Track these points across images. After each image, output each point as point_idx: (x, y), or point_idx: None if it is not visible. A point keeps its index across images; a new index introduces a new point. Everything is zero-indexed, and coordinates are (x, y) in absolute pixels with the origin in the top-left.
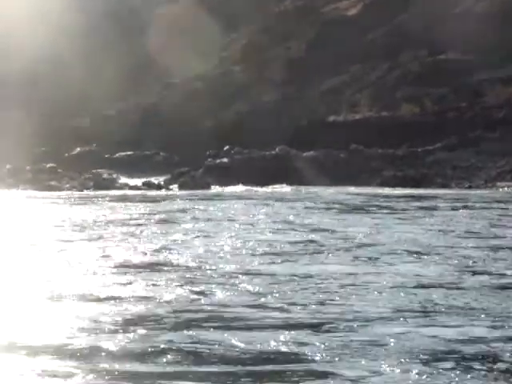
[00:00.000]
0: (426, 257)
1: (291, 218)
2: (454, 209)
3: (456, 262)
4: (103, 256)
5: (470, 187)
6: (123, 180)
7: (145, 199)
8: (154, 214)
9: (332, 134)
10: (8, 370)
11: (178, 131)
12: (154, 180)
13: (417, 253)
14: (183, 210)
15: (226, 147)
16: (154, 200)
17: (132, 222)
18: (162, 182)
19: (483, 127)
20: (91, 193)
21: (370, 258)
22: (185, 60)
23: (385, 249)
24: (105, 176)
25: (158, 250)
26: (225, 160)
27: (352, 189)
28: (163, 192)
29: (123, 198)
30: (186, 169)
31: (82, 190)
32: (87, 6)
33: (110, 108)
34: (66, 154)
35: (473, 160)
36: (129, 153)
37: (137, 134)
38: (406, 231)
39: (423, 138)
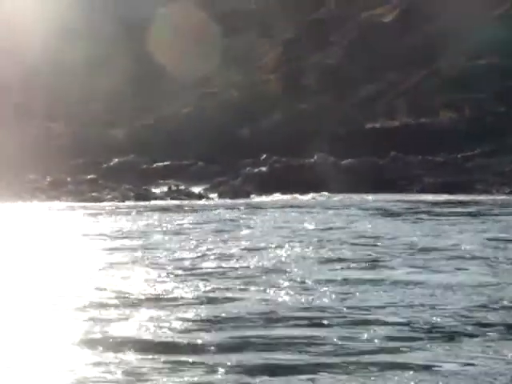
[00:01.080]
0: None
1: (344, 225)
2: (503, 214)
3: None
4: (170, 262)
5: (510, 192)
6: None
7: (190, 209)
8: (205, 223)
9: (370, 142)
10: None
11: (215, 140)
12: (194, 189)
13: (481, 258)
14: (233, 220)
15: (264, 156)
16: (198, 209)
17: (187, 231)
18: (202, 191)
19: None
20: (133, 203)
21: (435, 264)
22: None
23: (449, 254)
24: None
25: (226, 258)
26: (263, 168)
27: (394, 196)
28: (204, 201)
29: (168, 208)
30: (224, 178)
31: (123, 201)
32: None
33: (146, 118)
34: (105, 165)
35: None
36: (166, 163)
37: (174, 144)
38: (462, 237)
39: (462, 144)
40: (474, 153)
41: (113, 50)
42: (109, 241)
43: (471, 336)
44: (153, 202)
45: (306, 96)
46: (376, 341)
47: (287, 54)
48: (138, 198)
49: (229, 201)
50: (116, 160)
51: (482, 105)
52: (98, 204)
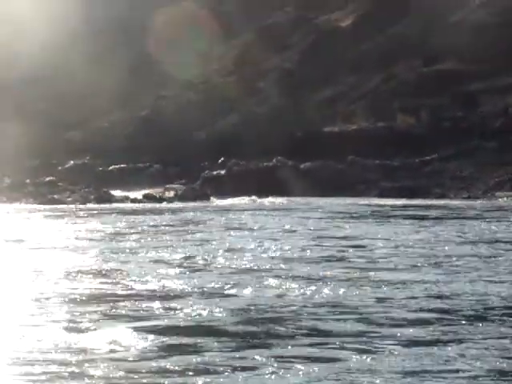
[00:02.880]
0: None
1: (318, 227)
2: (470, 218)
3: None
4: (167, 260)
5: (468, 197)
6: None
7: (155, 211)
8: (180, 225)
9: (328, 145)
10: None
11: (172, 143)
12: (153, 192)
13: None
14: (203, 222)
15: (221, 159)
16: (165, 211)
17: (169, 231)
18: (160, 195)
19: (480, 137)
20: (95, 206)
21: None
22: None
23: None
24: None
25: (219, 255)
26: (222, 172)
27: (353, 200)
28: (165, 204)
29: (131, 211)
30: (182, 181)
31: (84, 204)
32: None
33: (103, 120)
34: (60, 167)
35: (470, 170)
36: (122, 165)
37: (130, 146)
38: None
39: (420, 148)
40: (431, 157)
41: (76, 53)
42: (100, 242)
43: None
44: (115, 205)
45: (263, 99)
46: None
47: (245, 56)
48: (98, 200)
49: (189, 204)
50: (72, 162)
51: (440, 109)
52: (60, 206)
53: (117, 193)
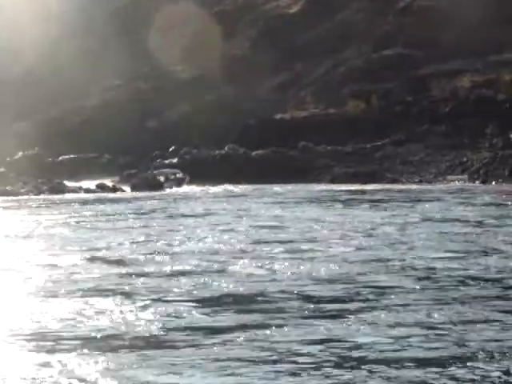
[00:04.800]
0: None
1: (281, 212)
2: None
3: None
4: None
5: (420, 181)
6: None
7: (113, 201)
8: (148, 213)
9: (279, 132)
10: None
11: (123, 132)
12: (106, 182)
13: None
14: (171, 209)
15: (172, 147)
16: (124, 201)
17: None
18: (113, 184)
19: (430, 121)
20: (54, 196)
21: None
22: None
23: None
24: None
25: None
26: (174, 160)
27: (306, 186)
28: (119, 194)
29: (90, 201)
30: (134, 170)
31: (38, 194)
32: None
33: (52, 111)
34: (8, 159)
35: (422, 154)
36: (72, 156)
37: (80, 137)
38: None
39: (371, 133)
40: (382, 142)
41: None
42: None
43: None
44: (69, 195)
45: (213, 87)
46: None
47: (194, 45)
48: (51, 191)
49: (145, 193)
50: (20, 153)
51: (390, 95)
52: (15, 198)
53: (69, 183)
